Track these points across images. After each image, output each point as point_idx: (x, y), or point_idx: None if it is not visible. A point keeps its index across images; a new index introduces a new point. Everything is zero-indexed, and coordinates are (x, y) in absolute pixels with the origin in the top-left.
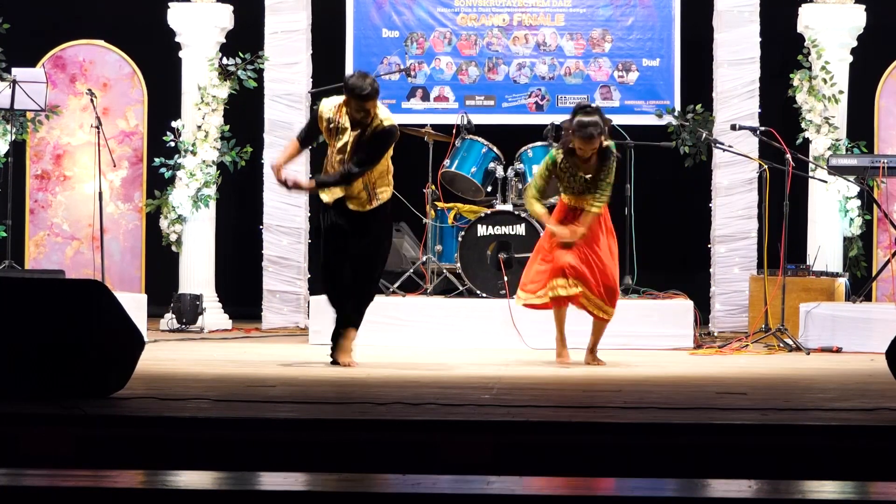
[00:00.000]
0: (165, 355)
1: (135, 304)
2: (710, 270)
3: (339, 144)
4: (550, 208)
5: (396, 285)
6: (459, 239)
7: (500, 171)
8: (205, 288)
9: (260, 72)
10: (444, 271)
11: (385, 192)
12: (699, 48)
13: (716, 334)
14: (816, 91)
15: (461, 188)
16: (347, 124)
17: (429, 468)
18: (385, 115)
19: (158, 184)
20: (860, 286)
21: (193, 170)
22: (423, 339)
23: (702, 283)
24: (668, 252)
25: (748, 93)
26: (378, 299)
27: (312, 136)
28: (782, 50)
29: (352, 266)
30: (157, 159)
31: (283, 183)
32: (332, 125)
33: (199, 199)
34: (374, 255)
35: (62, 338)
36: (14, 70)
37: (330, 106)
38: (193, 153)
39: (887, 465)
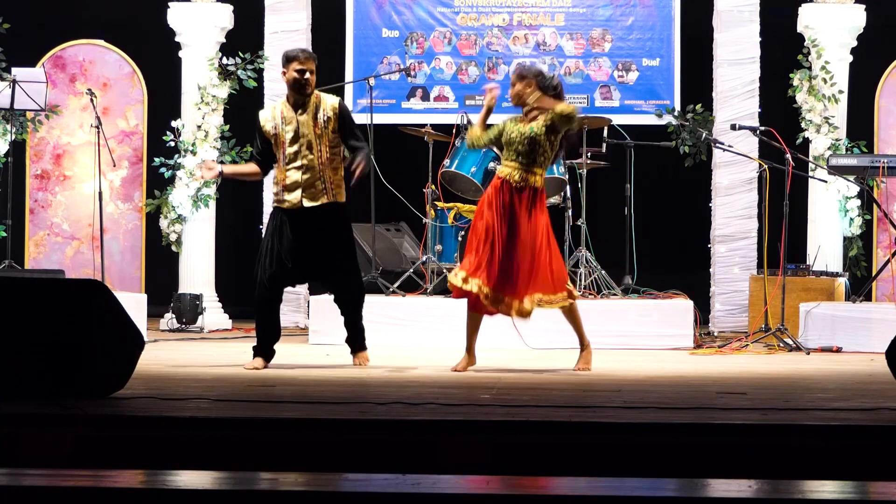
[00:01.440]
0: (165, 355)
1: (135, 304)
2: (710, 270)
3: (290, 136)
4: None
5: (396, 285)
6: (459, 239)
7: None
8: (205, 288)
9: (260, 72)
10: (444, 271)
11: (341, 194)
12: (699, 48)
13: (716, 334)
14: (816, 91)
15: (461, 188)
16: (291, 113)
17: (428, 468)
18: (324, 93)
19: (158, 183)
20: (860, 286)
21: (193, 169)
22: (423, 339)
23: (702, 283)
24: (668, 252)
25: (748, 93)
26: (378, 299)
27: (267, 151)
28: (782, 50)
29: (332, 287)
30: (157, 159)
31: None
32: (276, 129)
33: (199, 198)
34: (346, 261)
35: (62, 338)
36: (14, 70)
37: (266, 113)
38: (193, 153)
39: (887, 465)
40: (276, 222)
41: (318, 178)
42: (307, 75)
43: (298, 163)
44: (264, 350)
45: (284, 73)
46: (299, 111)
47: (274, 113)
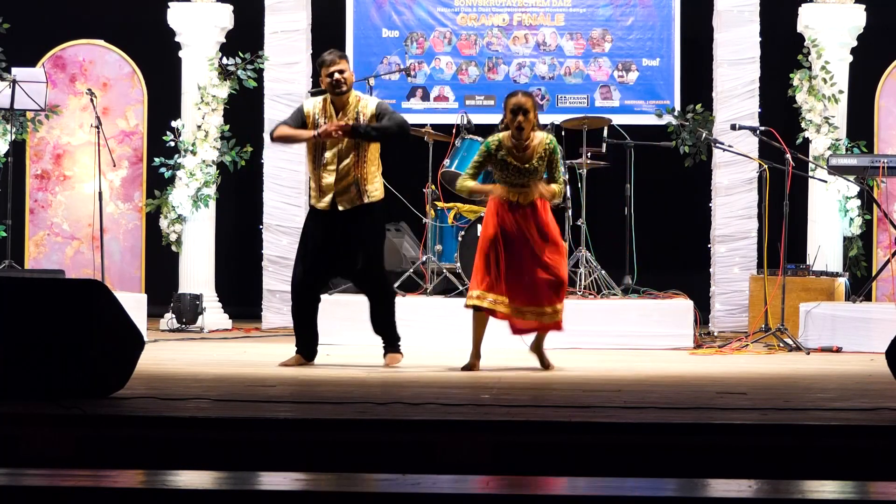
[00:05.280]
0: (165, 355)
1: (135, 304)
2: (710, 270)
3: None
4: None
5: (396, 285)
6: (459, 239)
7: None
8: (205, 288)
9: (260, 72)
10: (444, 271)
11: (377, 192)
12: (699, 48)
13: (716, 334)
14: (816, 91)
15: None
16: (333, 115)
17: (429, 468)
18: (368, 97)
19: (158, 183)
20: (860, 286)
21: (193, 169)
22: (423, 339)
23: (702, 283)
24: (668, 252)
25: (748, 93)
26: None
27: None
28: (782, 50)
29: (361, 285)
30: (157, 159)
31: (324, 134)
32: (318, 125)
33: (199, 198)
34: (372, 261)
35: (62, 338)
36: (14, 70)
37: (312, 106)
38: (193, 153)
39: (887, 465)
40: (310, 223)
41: (352, 184)
42: (337, 76)
43: (333, 167)
44: (302, 349)
45: (321, 80)
46: (339, 114)
47: (318, 107)
